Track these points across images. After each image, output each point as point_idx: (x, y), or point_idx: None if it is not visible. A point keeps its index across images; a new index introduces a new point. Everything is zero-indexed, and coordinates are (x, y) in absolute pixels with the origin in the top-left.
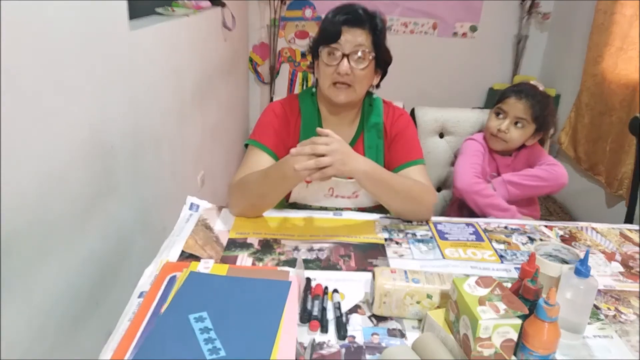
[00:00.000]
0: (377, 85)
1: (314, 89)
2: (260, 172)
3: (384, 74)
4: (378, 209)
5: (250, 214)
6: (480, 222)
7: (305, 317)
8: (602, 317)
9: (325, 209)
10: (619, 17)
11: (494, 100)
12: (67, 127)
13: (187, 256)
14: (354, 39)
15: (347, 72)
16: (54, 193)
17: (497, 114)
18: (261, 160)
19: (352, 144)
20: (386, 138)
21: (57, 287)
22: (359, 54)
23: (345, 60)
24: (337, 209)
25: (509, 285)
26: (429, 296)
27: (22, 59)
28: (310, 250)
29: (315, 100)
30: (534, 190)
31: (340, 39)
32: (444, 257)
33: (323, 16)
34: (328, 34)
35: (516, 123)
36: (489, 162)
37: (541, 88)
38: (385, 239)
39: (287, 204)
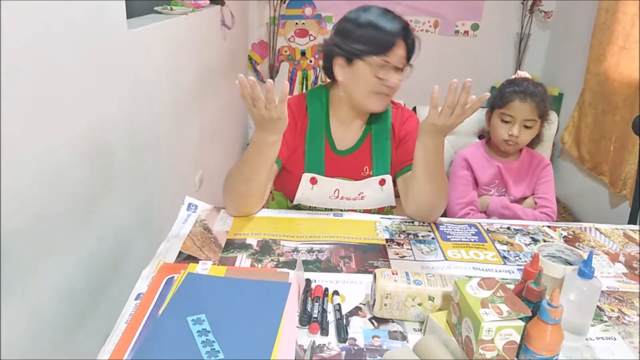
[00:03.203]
0: None
1: (325, 87)
2: (240, 157)
3: None
4: (383, 211)
5: (243, 209)
6: (483, 222)
7: (305, 319)
8: (605, 318)
9: (330, 210)
10: (621, 16)
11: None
12: (65, 126)
13: (184, 257)
14: (400, 51)
15: (398, 85)
16: (53, 193)
17: (504, 120)
18: None
19: (359, 143)
20: (394, 139)
21: (55, 287)
22: (403, 67)
23: (396, 73)
24: (338, 211)
25: (512, 286)
26: (430, 298)
27: (21, 58)
28: (310, 251)
29: (324, 100)
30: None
31: (391, 51)
32: (446, 259)
33: (361, 19)
34: (383, 45)
35: (525, 125)
36: (488, 169)
37: (529, 76)
38: (387, 240)
39: (291, 205)
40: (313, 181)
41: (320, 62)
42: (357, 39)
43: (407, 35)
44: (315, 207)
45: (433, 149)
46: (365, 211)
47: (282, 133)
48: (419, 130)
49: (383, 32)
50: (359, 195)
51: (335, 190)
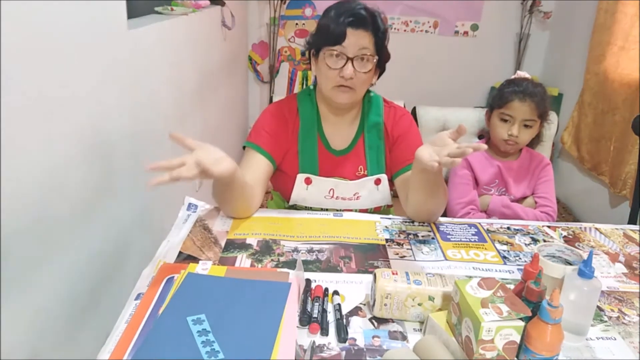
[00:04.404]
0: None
1: (311, 88)
2: (213, 188)
3: (382, 71)
4: (379, 211)
5: (237, 215)
6: (483, 222)
7: (305, 319)
8: (605, 318)
9: (326, 210)
10: (620, 16)
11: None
12: (66, 127)
13: (185, 257)
14: (358, 41)
15: (351, 76)
16: (54, 193)
17: (503, 120)
18: (256, 161)
19: (353, 144)
20: (387, 139)
21: (56, 287)
22: (363, 57)
23: (349, 64)
24: (338, 211)
25: (512, 286)
26: (430, 298)
27: (21, 59)
28: (310, 251)
29: (314, 99)
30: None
31: (344, 41)
32: (446, 259)
33: (325, 12)
34: (332, 36)
35: (524, 125)
36: (488, 168)
37: (528, 76)
38: (387, 240)
39: (287, 206)
40: (307, 181)
41: None
42: (316, 32)
43: (361, 24)
44: (311, 208)
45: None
46: (361, 211)
47: (224, 170)
48: (415, 157)
49: (333, 22)
50: (354, 195)
51: (330, 190)
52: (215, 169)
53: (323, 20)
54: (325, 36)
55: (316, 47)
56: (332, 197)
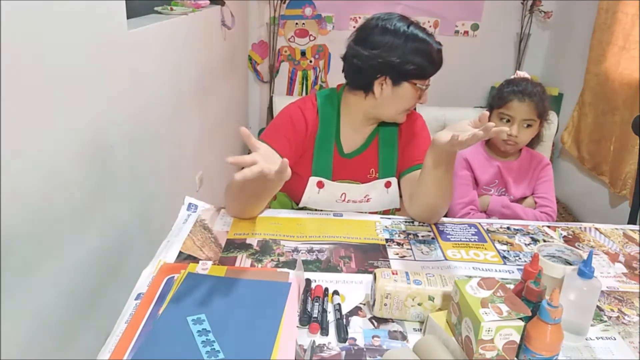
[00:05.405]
0: None
1: (338, 94)
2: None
3: None
4: (388, 213)
5: (246, 216)
6: (483, 222)
7: (305, 319)
8: (605, 318)
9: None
10: (621, 16)
11: None
12: (65, 127)
13: (185, 257)
14: None
15: None
16: (54, 193)
17: (503, 120)
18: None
19: (366, 146)
20: (401, 142)
21: (56, 287)
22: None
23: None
24: (342, 211)
25: (512, 286)
26: (430, 298)
27: (21, 59)
28: (310, 251)
29: (336, 103)
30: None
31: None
32: (445, 258)
33: (412, 38)
34: (431, 71)
35: (524, 125)
36: (488, 168)
37: (528, 76)
38: (386, 240)
39: (296, 207)
40: (320, 185)
41: (320, 63)
42: (413, 62)
43: None
44: (321, 210)
45: (446, 157)
46: (371, 213)
47: (288, 177)
48: (432, 141)
49: (432, 60)
50: (364, 197)
51: (342, 194)
52: (283, 174)
53: (415, 57)
54: (425, 71)
55: (405, 78)
56: (344, 200)
